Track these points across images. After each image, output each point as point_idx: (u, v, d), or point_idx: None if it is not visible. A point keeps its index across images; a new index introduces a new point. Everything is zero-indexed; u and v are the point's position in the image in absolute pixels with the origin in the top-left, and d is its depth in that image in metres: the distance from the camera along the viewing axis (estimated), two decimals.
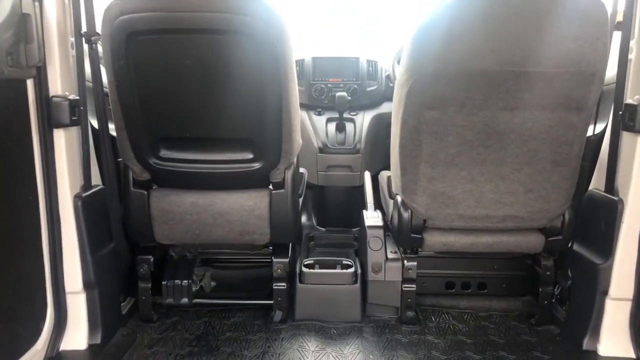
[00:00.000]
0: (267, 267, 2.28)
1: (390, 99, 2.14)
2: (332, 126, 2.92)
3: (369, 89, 2.95)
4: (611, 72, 1.85)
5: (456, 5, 1.67)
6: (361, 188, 2.71)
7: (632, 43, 1.79)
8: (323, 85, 2.93)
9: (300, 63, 2.97)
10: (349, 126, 2.91)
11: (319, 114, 2.95)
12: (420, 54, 1.72)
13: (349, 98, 2.85)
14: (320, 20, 3.09)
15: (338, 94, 2.82)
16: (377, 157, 2.82)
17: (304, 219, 3.08)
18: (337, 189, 3.00)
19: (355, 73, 2.95)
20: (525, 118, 1.79)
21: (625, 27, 1.79)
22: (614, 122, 1.87)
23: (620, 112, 1.81)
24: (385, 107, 2.97)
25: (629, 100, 1.80)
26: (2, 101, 1.57)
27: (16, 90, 1.64)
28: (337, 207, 3.05)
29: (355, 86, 2.92)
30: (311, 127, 2.90)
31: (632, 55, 1.80)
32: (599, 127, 2.01)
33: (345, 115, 2.91)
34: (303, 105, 2.85)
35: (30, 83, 1.69)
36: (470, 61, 1.68)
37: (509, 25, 1.65)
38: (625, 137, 1.82)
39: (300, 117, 2.77)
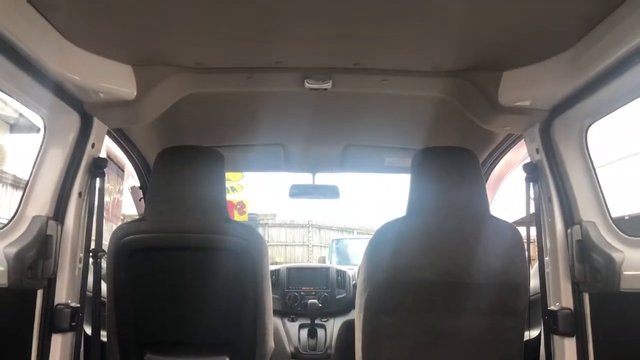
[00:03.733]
0: None
1: None
2: (304, 332, 3.13)
3: (338, 296, 3.25)
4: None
5: (401, 225, 2.09)
6: None
7: (547, 260, 2.18)
8: (296, 294, 3.22)
9: (275, 273, 3.30)
10: (320, 332, 3.12)
11: (292, 320, 3.19)
12: (374, 266, 2.07)
13: (320, 305, 3.12)
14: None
15: (310, 301, 3.10)
16: None
17: None
18: None
19: (326, 282, 3.28)
20: (468, 322, 2.07)
21: (539, 247, 2.20)
22: (544, 326, 2.15)
23: (546, 317, 2.11)
24: (354, 314, 3.22)
25: (550, 307, 2.12)
26: (14, 308, 1.81)
27: (27, 298, 1.89)
28: None
29: (326, 294, 3.22)
30: (284, 333, 3.11)
31: (548, 269, 2.17)
32: (536, 332, 2.29)
33: (317, 321, 3.15)
34: (277, 312, 3.10)
35: (40, 292, 1.94)
36: (415, 272, 2.03)
37: (444, 243, 2.04)
38: (554, 339, 2.09)
39: (274, 324, 3.00)
